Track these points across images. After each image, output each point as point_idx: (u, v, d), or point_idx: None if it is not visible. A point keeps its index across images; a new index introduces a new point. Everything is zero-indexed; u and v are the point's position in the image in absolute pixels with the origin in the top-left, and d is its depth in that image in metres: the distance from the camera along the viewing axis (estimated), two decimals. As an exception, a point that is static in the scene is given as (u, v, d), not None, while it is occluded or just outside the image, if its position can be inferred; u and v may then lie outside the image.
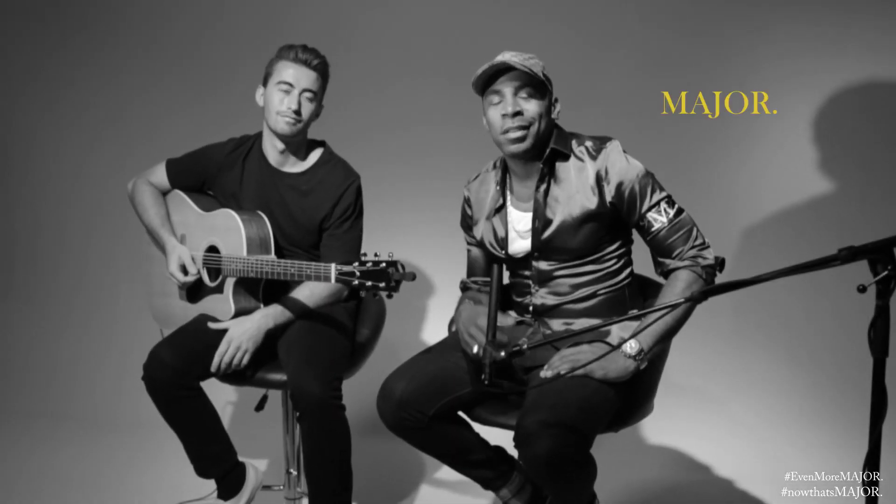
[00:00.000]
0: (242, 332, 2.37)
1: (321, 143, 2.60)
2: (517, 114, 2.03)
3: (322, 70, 2.45)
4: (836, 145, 3.28)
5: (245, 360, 2.37)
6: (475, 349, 1.99)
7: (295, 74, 2.41)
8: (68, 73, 3.93)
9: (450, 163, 3.52)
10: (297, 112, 2.40)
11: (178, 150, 2.68)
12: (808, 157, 3.31)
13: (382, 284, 2.04)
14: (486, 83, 2.07)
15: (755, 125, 3.36)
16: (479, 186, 2.27)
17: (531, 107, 2.04)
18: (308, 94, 2.42)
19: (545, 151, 2.09)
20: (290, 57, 2.42)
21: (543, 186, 2.09)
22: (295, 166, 2.54)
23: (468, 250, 2.35)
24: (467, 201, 2.30)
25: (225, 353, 2.35)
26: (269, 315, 2.41)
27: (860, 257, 1.45)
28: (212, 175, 2.60)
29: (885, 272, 1.44)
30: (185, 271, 2.46)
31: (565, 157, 2.08)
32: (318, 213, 2.49)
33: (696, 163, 3.37)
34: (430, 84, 3.57)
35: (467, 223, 2.31)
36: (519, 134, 2.04)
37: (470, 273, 2.34)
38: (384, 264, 2.03)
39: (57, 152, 4.00)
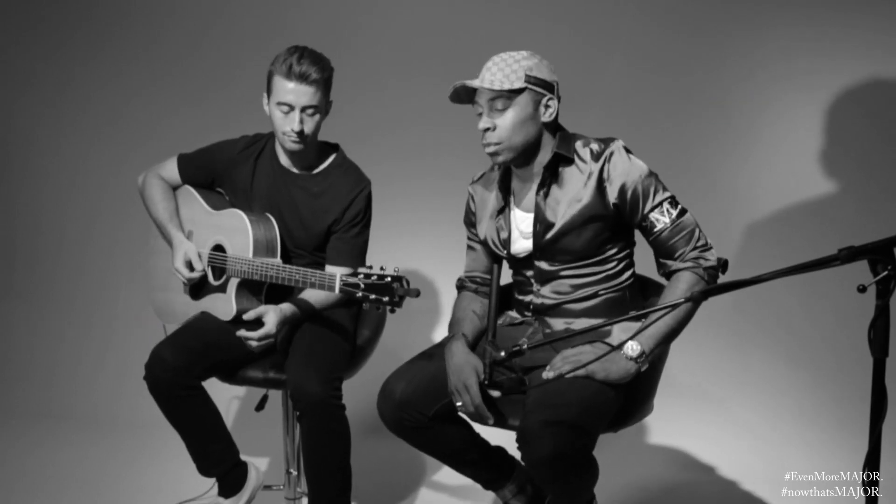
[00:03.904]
0: (278, 322, 2.37)
1: (335, 147, 2.59)
2: (487, 129, 2.04)
3: (321, 81, 2.37)
4: (837, 145, 3.28)
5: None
6: (459, 404, 2.04)
7: (293, 93, 2.35)
8: (68, 73, 3.93)
9: (451, 163, 3.52)
10: (301, 132, 2.38)
11: (178, 149, 2.67)
12: (808, 157, 3.31)
13: (386, 299, 2.03)
14: (469, 95, 2.09)
15: (755, 125, 3.36)
16: (484, 186, 2.27)
17: (505, 121, 2.02)
18: (309, 111, 2.38)
19: (536, 154, 2.09)
20: (285, 73, 2.35)
21: (544, 190, 2.09)
22: (307, 168, 2.54)
23: (469, 247, 2.34)
24: (472, 199, 2.30)
25: (259, 339, 2.36)
26: (295, 313, 2.42)
27: (860, 257, 1.45)
28: (222, 172, 2.60)
29: (885, 272, 1.44)
30: (190, 268, 2.46)
31: (569, 161, 2.08)
32: (327, 217, 2.49)
33: (696, 163, 3.37)
34: (431, 84, 3.56)
35: (470, 220, 2.31)
36: (492, 150, 2.06)
37: (469, 270, 2.34)
38: (389, 279, 2.03)
39: (57, 152, 4.00)
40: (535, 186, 2.11)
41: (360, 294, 2.05)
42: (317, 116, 2.41)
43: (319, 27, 3.63)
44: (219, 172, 2.60)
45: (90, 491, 2.98)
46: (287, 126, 2.38)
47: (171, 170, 2.64)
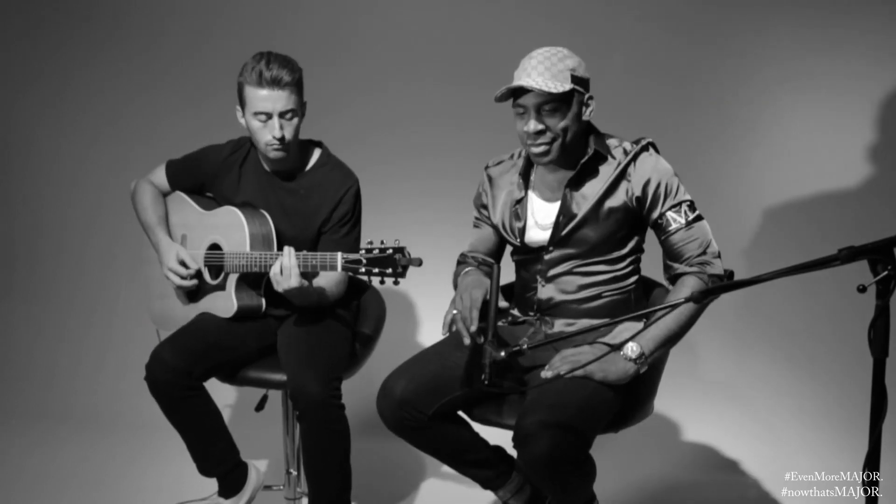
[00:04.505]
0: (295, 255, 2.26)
1: (318, 144, 2.59)
2: (539, 132, 2.03)
3: (293, 83, 2.34)
4: (837, 145, 3.28)
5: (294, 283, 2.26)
6: (455, 312, 2.00)
7: (269, 100, 2.32)
8: (68, 73, 3.93)
9: (450, 163, 3.52)
10: (282, 139, 2.36)
11: (178, 150, 2.68)
12: (808, 157, 3.31)
13: (389, 270, 2.04)
14: (509, 94, 2.05)
15: (755, 126, 3.36)
16: (503, 173, 2.28)
17: (554, 122, 2.03)
18: (287, 115, 2.36)
19: (575, 154, 2.10)
20: (256, 81, 2.32)
21: (574, 185, 2.11)
22: (292, 171, 2.53)
23: (476, 226, 2.35)
24: (489, 181, 2.30)
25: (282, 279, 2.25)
26: (303, 283, 2.30)
27: (860, 257, 1.45)
28: (209, 178, 2.59)
29: (885, 272, 1.44)
30: (185, 266, 2.46)
31: (604, 159, 2.10)
32: (316, 217, 2.48)
33: (697, 164, 3.37)
34: (431, 85, 3.57)
35: (481, 201, 2.32)
36: (542, 149, 2.05)
37: (473, 248, 2.35)
38: (390, 250, 2.04)
39: (57, 152, 4.00)
40: (563, 179, 2.13)
41: (363, 269, 2.06)
42: (295, 120, 2.39)
43: (319, 27, 3.63)
44: (207, 178, 2.60)
45: (90, 491, 2.98)
46: (268, 135, 2.36)
47: (160, 176, 2.64)
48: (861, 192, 3.25)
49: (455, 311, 2.02)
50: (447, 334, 2.06)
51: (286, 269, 2.23)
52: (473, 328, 1.96)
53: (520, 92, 2.03)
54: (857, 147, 3.26)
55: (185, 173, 2.62)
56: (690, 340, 3.26)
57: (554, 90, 1.98)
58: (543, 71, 2.00)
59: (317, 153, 2.55)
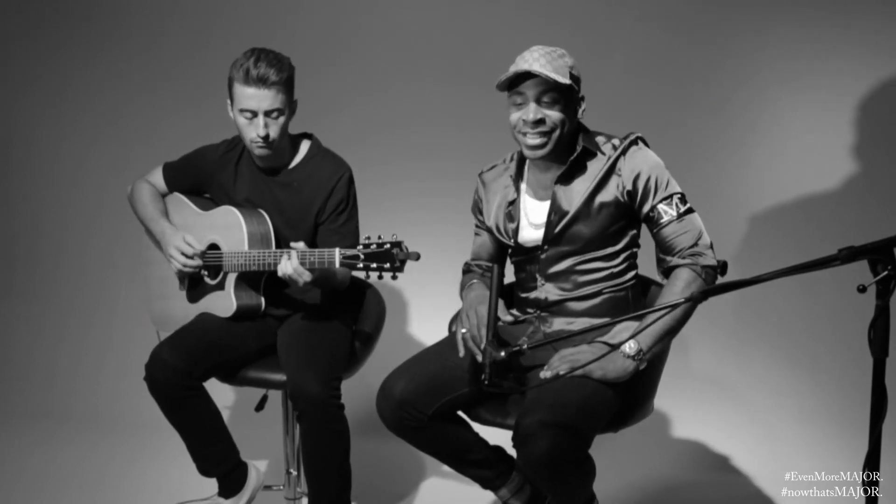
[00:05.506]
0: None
1: (308, 136, 2.58)
2: (538, 122, 2.03)
3: (280, 82, 2.33)
4: (837, 146, 3.27)
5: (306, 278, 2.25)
6: (463, 330, 2.03)
7: (254, 99, 2.32)
8: (68, 73, 3.93)
9: (449, 163, 3.52)
10: (266, 137, 2.36)
11: (178, 150, 2.68)
12: (808, 157, 3.31)
13: (387, 265, 2.05)
14: (510, 83, 2.07)
15: (755, 126, 3.36)
16: (496, 177, 2.29)
17: (554, 113, 2.04)
18: (273, 114, 2.35)
19: (565, 152, 2.10)
20: (243, 79, 2.31)
21: (564, 181, 2.11)
22: (283, 166, 2.53)
23: (476, 233, 2.37)
24: (481, 187, 2.32)
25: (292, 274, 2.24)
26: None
27: (860, 257, 1.45)
28: (207, 177, 2.60)
29: (885, 272, 1.44)
30: (191, 247, 2.44)
31: (593, 155, 2.10)
32: (311, 209, 2.48)
33: (697, 165, 3.37)
34: (431, 85, 3.57)
35: (478, 207, 2.34)
36: (538, 141, 2.06)
37: (475, 256, 2.36)
38: (388, 245, 2.05)
39: (57, 152, 4.00)
40: (552, 178, 2.13)
41: (361, 265, 2.07)
42: (281, 119, 2.38)
43: (319, 27, 3.63)
44: (204, 177, 2.60)
45: (90, 491, 2.98)
46: (252, 132, 2.36)
47: (157, 178, 2.65)
48: (861, 191, 3.25)
49: (464, 330, 2.04)
50: (463, 354, 2.06)
51: (295, 272, 2.23)
52: (483, 346, 1.97)
53: (520, 80, 2.04)
54: (856, 147, 3.26)
55: (181, 174, 2.62)
56: (689, 341, 3.27)
57: (559, 80, 2.00)
58: (545, 63, 2.02)
59: (307, 145, 2.55)
